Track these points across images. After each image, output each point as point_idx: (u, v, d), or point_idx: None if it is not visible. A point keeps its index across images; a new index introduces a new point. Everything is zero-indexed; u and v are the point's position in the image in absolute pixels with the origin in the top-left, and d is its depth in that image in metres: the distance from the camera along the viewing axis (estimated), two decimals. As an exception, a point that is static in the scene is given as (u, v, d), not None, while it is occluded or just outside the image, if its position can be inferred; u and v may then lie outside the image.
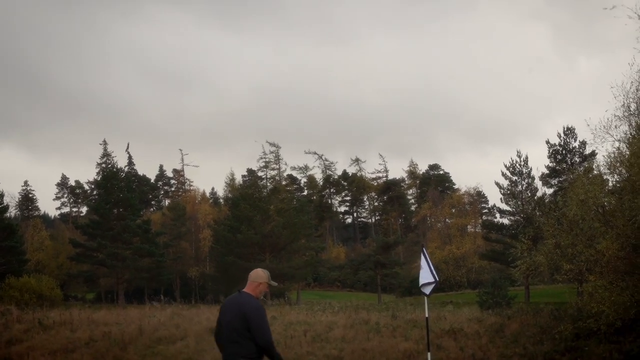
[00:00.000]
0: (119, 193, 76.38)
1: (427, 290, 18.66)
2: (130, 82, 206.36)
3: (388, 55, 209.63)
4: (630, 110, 30.04)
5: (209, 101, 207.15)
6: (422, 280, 18.65)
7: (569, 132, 67.17)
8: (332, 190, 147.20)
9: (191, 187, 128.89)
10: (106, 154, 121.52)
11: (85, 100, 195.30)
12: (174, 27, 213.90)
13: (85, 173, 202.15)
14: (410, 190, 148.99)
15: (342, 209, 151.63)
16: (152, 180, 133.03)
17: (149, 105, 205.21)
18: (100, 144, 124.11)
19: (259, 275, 9.88)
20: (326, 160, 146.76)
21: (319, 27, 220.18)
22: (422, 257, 18.53)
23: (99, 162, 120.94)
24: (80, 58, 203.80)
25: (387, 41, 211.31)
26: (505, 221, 71.66)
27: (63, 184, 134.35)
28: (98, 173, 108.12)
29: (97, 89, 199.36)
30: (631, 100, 29.99)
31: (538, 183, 68.88)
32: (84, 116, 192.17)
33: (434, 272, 18.51)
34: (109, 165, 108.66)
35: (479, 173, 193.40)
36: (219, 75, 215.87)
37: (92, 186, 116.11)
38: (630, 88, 30.19)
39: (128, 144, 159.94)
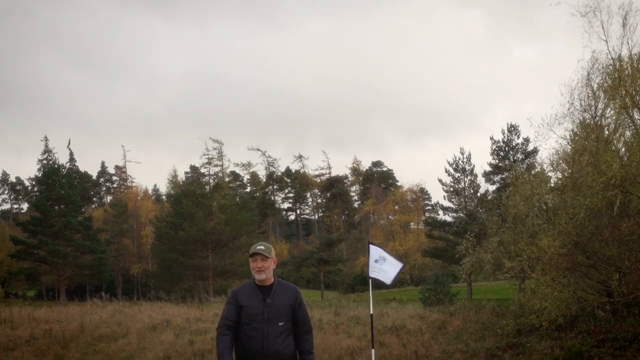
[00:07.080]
0: (60, 190, 75.45)
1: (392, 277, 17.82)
2: (63, 72, 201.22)
3: (320, 40, 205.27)
4: (574, 107, 30.45)
5: (142, 89, 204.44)
6: (387, 270, 17.80)
7: (512, 129, 67.58)
8: (275, 186, 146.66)
9: (133, 184, 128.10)
10: (47, 150, 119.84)
11: (16, 93, 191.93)
12: (96, 10, 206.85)
13: (18, 168, 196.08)
14: (354, 187, 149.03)
15: (285, 205, 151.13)
16: (94, 177, 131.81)
17: (85, 96, 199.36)
18: (42, 141, 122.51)
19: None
20: (269, 156, 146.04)
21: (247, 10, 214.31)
22: (374, 249, 17.81)
23: (40, 158, 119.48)
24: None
25: (319, 25, 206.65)
26: (448, 218, 72.19)
27: (3, 180, 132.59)
28: (39, 169, 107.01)
29: (29, 80, 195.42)
30: (576, 97, 30.39)
31: (481, 180, 69.41)
32: (15, 108, 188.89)
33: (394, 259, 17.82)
34: (50, 162, 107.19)
35: (419, 166, 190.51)
36: (149, 62, 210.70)
37: (33, 183, 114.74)
38: (576, 85, 30.59)
39: (69, 141, 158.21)
